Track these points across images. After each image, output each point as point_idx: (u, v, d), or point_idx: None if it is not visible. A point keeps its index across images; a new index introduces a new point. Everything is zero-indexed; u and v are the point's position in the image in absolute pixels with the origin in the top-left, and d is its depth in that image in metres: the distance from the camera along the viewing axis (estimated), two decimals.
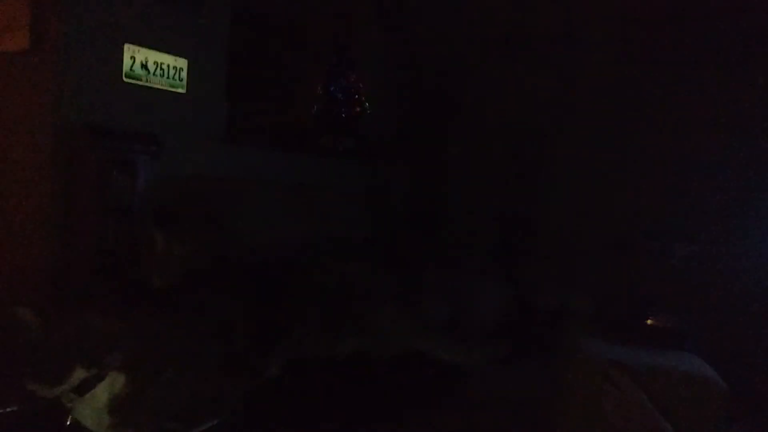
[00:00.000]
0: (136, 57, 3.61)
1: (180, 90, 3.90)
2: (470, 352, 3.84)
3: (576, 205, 5.01)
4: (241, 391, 2.85)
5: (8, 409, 2.44)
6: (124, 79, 3.57)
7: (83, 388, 2.46)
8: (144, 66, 3.66)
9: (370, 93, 5.51)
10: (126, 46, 3.55)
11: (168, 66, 3.81)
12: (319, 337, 3.49)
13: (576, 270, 4.75)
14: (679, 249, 4.20)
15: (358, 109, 5.45)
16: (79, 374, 2.49)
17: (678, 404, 2.82)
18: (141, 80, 3.65)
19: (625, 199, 4.80)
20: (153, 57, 3.71)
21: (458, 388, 3.51)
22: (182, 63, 3.89)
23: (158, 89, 3.77)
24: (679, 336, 3.25)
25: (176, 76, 3.87)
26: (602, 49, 4.97)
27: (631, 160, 4.83)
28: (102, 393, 2.47)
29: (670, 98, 4.67)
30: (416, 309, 4.13)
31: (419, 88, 5.88)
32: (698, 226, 4.40)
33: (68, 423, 2.43)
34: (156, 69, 3.74)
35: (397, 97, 5.83)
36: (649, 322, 3.33)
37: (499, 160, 5.57)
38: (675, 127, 4.63)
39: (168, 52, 3.79)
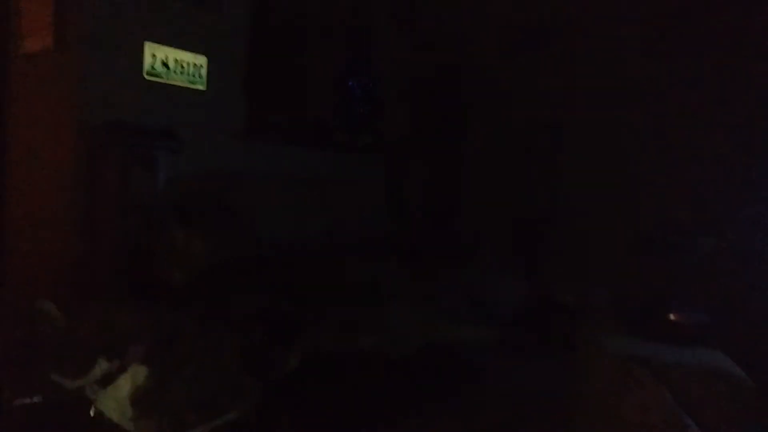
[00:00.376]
0: (156, 55, 3.67)
1: (200, 87, 3.95)
2: (488, 349, 3.82)
3: (597, 200, 4.93)
4: (259, 385, 2.88)
5: (33, 400, 2.50)
6: (145, 76, 3.63)
7: (106, 380, 2.52)
8: (164, 64, 3.71)
9: (387, 89, 5.51)
10: (147, 45, 3.61)
11: (188, 63, 3.86)
12: (337, 332, 3.50)
13: (597, 265, 4.68)
14: (703, 244, 4.11)
15: (376, 105, 5.46)
16: (102, 367, 2.55)
17: (702, 401, 2.76)
18: (162, 78, 3.71)
19: (647, 194, 4.72)
20: (173, 55, 3.76)
21: (477, 384, 3.49)
22: (202, 60, 3.94)
23: (179, 86, 3.82)
24: (703, 331, 3.18)
25: (196, 74, 3.91)
26: (623, 45, 4.89)
27: (654, 155, 4.75)
28: (124, 385, 2.52)
29: (692, 93, 4.57)
30: (434, 305, 4.11)
31: (435, 84, 5.86)
32: (722, 221, 4.30)
33: (92, 414, 2.48)
34: (176, 66, 3.79)
35: (413, 94, 5.81)
36: (671, 317, 3.26)
37: (518, 154, 5.52)
38: (700, 121, 4.54)
39: (188, 50, 3.85)
